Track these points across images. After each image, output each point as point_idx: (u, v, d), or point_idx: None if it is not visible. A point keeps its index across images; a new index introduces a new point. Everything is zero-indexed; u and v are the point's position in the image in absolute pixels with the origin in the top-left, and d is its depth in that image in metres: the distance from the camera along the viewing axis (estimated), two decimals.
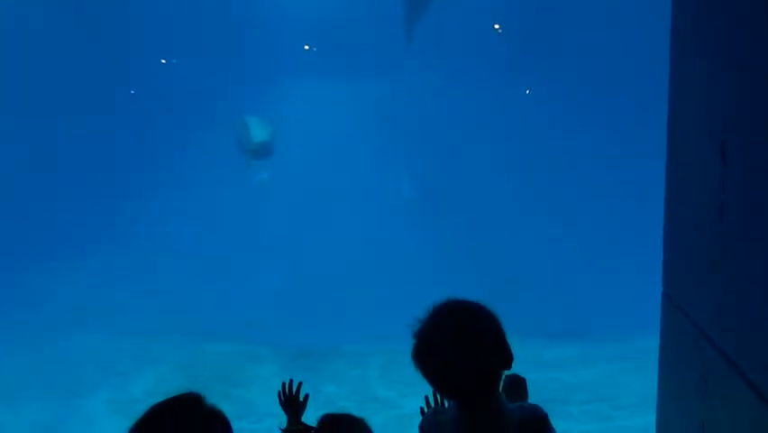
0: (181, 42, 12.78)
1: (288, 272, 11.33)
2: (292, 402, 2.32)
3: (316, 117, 12.05)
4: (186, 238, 11.96)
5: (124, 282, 10.75)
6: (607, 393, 7.03)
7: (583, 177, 12.07)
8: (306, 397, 2.34)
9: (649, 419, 3.21)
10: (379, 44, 12.36)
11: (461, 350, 1.78)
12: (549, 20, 12.20)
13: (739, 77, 1.99)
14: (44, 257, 11.01)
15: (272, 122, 11.10)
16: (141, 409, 1.65)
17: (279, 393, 2.34)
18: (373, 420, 2.03)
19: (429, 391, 2.28)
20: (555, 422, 1.93)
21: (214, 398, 1.72)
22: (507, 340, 1.84)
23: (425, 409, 2.26)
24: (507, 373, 1.92)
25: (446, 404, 2.15)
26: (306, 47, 13.47)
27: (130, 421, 1.63)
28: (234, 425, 1.71)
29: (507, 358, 1.82)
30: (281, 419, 2.35)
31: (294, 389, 2.34)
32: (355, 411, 2.05)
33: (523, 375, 2.27)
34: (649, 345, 3.46)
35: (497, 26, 12.90)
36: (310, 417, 2.31)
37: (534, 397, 2.11)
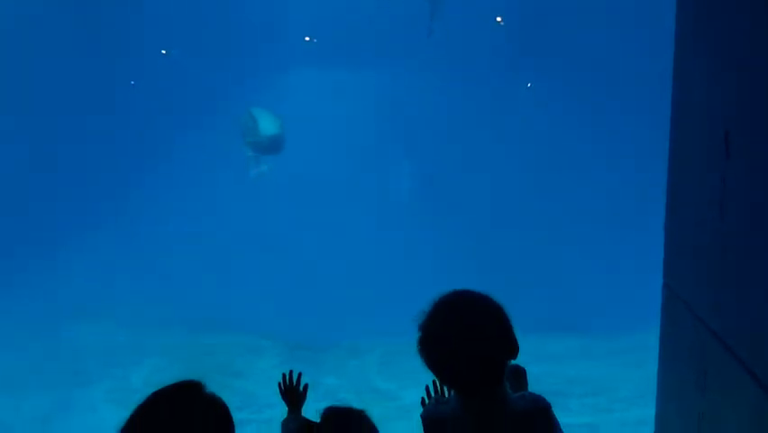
0: (181, 34, 12.74)
1: (289, 265, 11.34)
2: (292, 393, 2.33)
3: (316, 110, 12.01)
4: (186, 230, 11.97)
5: (124, 274, 10.76)
6: (606, 386, 7.05)
7: (583, 172, 12.06)
8: (306, 387, 2.35)
9: (648, 412, 3.22)
10: (380, 37, 12.31)
11: (467, 340, 1.79)
12: (551, 15, 12.15)
13: (740, 72, 1.98)
14: (44, 249, 11.02)
15: (281, 114, 10.53)
16: (141, 399, 1.65)
17: (279, 384, 2.35)
18: (372, 412, 2.03)
19: (429, 382, 2.29)
20: (555, 414, 1.94)
21: (215, 388, 1.72)
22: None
23: (426, 400, 2.27)
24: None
25: (446, 394, 2.16)
26: (307, 38, 13.42)
27: (130, 411, 1.63)
28: (234, 415, 1.72)
29: (512, 349, 1.82)
30: (281, 409, 2.36)
31: (294, 379, 2.35)
32: (354, 403, 2.05)
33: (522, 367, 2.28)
34: (648, 338, 3.47)
35: (499, 19, 12.85)
36: (310, 408, 2.32)
37: (533, 390, 2.12)
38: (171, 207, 12.28)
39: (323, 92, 12.85)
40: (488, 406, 1.81)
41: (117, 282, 10.40)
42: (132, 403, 1.64)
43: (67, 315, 9.13)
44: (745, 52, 1.94)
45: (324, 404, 2.03)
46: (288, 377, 2.36)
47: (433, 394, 2.27)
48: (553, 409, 1.93)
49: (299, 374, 2.35)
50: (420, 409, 2.14)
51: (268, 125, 10.35)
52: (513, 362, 1.92)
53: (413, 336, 1.89)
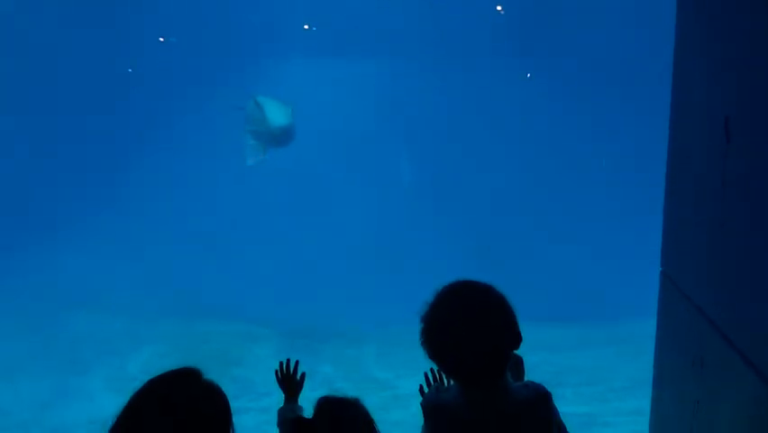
0: (178, 21, 12.64)
1: (287, 254, 11.35)
2: (289, 381, 2.33)
3: (314, 99, 11.93)
4: (185, 218, 11.95)
5: (122, 262, 10.76)
6: (602, 376, 7.09)
7: (581, 163, 12.06)
8: (303, 376, 2.36)
9: (644, 401, 3.24)
10: (379, 26, 12.23)
11: (471, 330, 1.79)
12: (552, 4, 12.08)
13: (741, 59, 1.97)
14: (42, 238, 11.00)
15: (290, 103, 9.72)
16: (137, 387, 1.66)
17: (276, 371, 2.35)
18: (369, 401, 2.04)
19: (427, 371, 2.29)
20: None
21: (212, 376, 1.72)
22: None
23: (425, 388, 2.28)
24: None
25: (446, 382, 2.17)
26: (306, 26, 13.33)
27: (127, 399, 1.64)
28: (232, 403, 1.72)
29: (515, 339, 1.83)
30: (279, 397, 2.36)
31: (291, 368, 2.36)
32: (351, 392, 2.06)
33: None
34: (644, 328, 3.48)
35: (499, 8, 12.77)
36: (307, 397, 2.33)
37: (529, 379, 2.12)
38: (169, 195, 12.26)
39: (321, 81, 12.79)
40: (490, 395, 1.82)
41: (115, 271, 10.39)
42: (131, 391, 1.65)
43: (64, 303, 9.13)
44: (745, 38, 1.94)
45: (321, 392, 2.03)
46: (284, 365, 2.36)
47: (432, 383, 2.28)
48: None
49: (296, 362, 2.36)
50: (418, 398, 2.15)
51: (277, 115, 9.52)
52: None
53: (411, 326, 1.89)
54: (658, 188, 2.99)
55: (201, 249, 11.25)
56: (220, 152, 12.05)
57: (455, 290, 1.88)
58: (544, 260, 10.76)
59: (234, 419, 1.70)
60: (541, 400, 1.89)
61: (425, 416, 1.94)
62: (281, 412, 2.27)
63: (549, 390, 1.94)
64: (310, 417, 1.97)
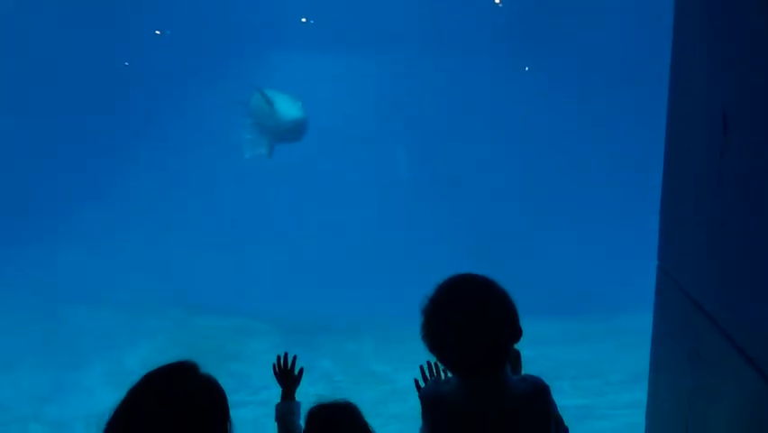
0: (175, 14, 12.58)
1: (286, 248, 11.35)
2: (286, 375, 2.33)
3: (312, 94, 11.91)
4: (183, 213, 11.94)
5: (119, 255, 10.75)
6: (599, 369, 7.12)
7: (579, 158, 12.07)
8: (301, 371, 2.36)
9: (641, 394, 3.26)
10: (377, 20, 12.19)
11: (472, 324, 1.80)
12: (552, 0, 12.05)
13: (740, 51, 1.97)
14: (41, 233, 10.99)
15: (299, 96, 9.18)
16: (136, 381, 1.66)
17: (274, 366, 2.36)
18: (368, 395, 2.05)
19: (423, 364, 2.30)
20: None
21: (210, 371, 1.73)
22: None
23: (421, 382, 2.29)
24: None
25: (442, 376, 2.17)
26: (303, 19, 13.27)
27: (125, 393, 1.64)
28: (230, 397, 1.73)
29: (516, 333, 1.84)
30: (277, 391, 2.37)
31: (288, 362, 2.36)
32: (350, 386, 2.07)
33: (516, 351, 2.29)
34: (641, 322, 3.49)
35: (497, 0, 12.73)
36: (304, 391, 2.33)
37: (526, 372, 2.13)
38: (167, 190, 12.24)
39: (319, 76, 12.75)
40: (489, 388, 1.83)
41: (113, 266, 10.39)
42: (128, 386, 1.65)
43: (63, 298, 9.13)
44: (743, 31, 1.94)
45: (319, 387, 2.04)
46: (282, 360, 2.36)
47: (429, 376, 2.28)
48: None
49: (294, 357, 2.36)
50: (414, 392, 2.15)
51: (288, 109, 8.81)
52: None
53: (409, 320, 1.90)
54: (656, 183, 3.00)
55: (199, 244, 11.24)
56: (217, 147, 12.03)
57: (456, 284, 1.89)
58: (541, 254, 10.78)
59: (232, 413, 1.71)
60: (539, 393, 1.90)
61: (423, 408, 1.95)
62: (279, 408, 2.28)
63: (547, 383, 1.95)
64: (306, 417, 1.98)
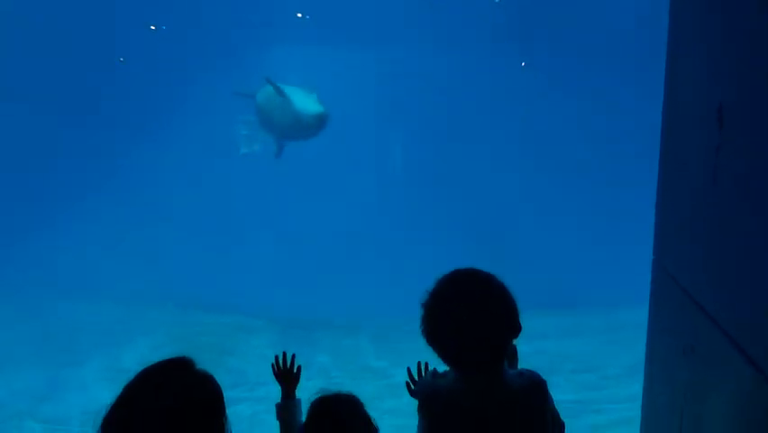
0: (169, 9, 12.52)
1: (283, 244, 11.35)
2: (286, 375, 2.34)
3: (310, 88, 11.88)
4: (179, 208, 11.92)
5: (116, 252, 10.74)
6: (595, 364, 7.15)
7: (575, 152, 12.08)
8: (300, 369, 2.37)
9: (637, 388, 3.27)
10: (374, 13, 12.15)
11: (473, 319, 1.80)
12: None
13: (737, 43, 1.97)
14: (34, 226, 10.96)
15: (313, 89, 8.53)
16: (131, 378, 1.66)
17: (273, 365, 2.36)
18: (365, 389, 2.05)
19: (421, 361, 2.30)
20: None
21: (207, 367, 1.73)
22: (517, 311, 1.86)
23: (410, 384, 2.29)
24: None
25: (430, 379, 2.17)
26: (299, 14, 13.23)
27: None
28: (228, 394, 1.73)
29: (515, 328, 1.84)
30: (274, 387, 2.37)
31: (288, 362, 2.36)
32: (348, 381, 2.07)
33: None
34: (638, 317, 3.50)
35: None
36: (302, 386, 2.34)
37: (522, 367, 2.14)
38: (165, 187, 12.21)
39: (317, 70, 12.72)
40: (487, 383, 1.84)
41: (110, 262, 10.38)
42: (124, 382, 1.65)
43: (60, 294, 9.12)
44: (739, 25, 1.94)
45: (317, 382, 2.04)
46: (281, 359, 2.37)
47: (417, 378, 2.28)
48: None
49: (293, 356, 2.37)
50: (406, 394, 2.16)
51: (306, 102, 8.09)
52: None
53: (406, 315, 1.90)
54: (654, 177, 3.00)
55: (196, 241, 11.23)
56: (215, 143, 12.00)
57: (458, 278, 1.90)
58: (537, 249, 10.80)
59: (230, 409, 1.71)
60: (536, 388, 1.90)
61: (420, 403, 1.95)
62: (279, 407, 2.28)
63: (544, 378, 1.95)
64: (306, 411, 1.98)
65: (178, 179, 12.41)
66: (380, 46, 12.68)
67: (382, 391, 5.81)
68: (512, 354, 2.23)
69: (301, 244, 11.35)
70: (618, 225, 10.28)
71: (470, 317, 1.81)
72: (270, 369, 2.36)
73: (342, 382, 6.13)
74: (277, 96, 8.39)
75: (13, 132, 11.55)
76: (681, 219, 2.54)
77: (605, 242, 10.48)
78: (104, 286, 9.44)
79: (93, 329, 8.07)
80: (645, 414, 3.10)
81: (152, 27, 13.17)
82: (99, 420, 1.61)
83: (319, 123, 8.13)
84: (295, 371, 2.35)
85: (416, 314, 1.90)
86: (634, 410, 3.36)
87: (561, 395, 2.13)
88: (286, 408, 2.25)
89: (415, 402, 1.99)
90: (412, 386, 2.27)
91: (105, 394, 1.65)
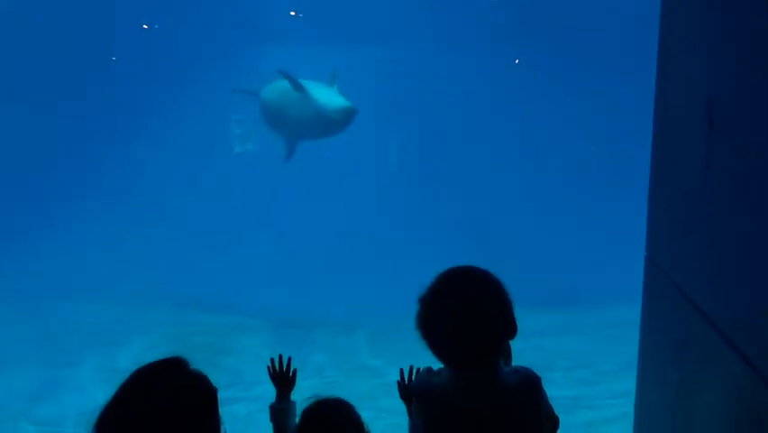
0: (162, 7, 12.48)
1: (278, 244, 11.33)
2: (282, 377, 2.34)
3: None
4: (174, 208, 11.89)
5: (112, 252, 10.70)
6: (589, 360, 7.18)
7: (569, 150, 12.11)
8: (295, 372, 2.37)
9: (631, 384, 3.29)
10: (374, 13, 12.13)
11: (468, 315, 1.81)
12: None
13: (726, 40, 1.98)
14: (30, 226, 10.92)
15: (332, 83, 8.00)
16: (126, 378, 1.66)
17: (269, 367, 2.36)
18: (360, 389, 2.06)
19: (416, 360, 2.31)
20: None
21: (203, 367, 1.73)
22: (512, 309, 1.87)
23: (401, 386, 2.29)
24: None
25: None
26: (293, 13, 13.19)
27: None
28: (223, 393, 1.73)
29: (511, 326, 1.85)
30: (269, 387, 2.37)
31: (284, 364, 2.37)
32: (342, 380, 2.08)
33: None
34: (631, 313, 3.52)
35: None
36: (298, 385, 2.34)
37: (516, 363, 2.15)
38: (161, 187, 12.18)
39: (308, 67, 12.68)
40: (482, 380, 1.84)
41: (106, 263, 10.35)
42: (119, 383, 1.65)
43: (56, 295, 9.09)
44: (729, 22, 1.95)
45: (313, 381, 2.05)
46: (277, 362, 2.37)
47: (407, 380, 2.29)
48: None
49: (289, 358, 2.37)
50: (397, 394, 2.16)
51: (330, 96, 7.46)
52: None
53: (401, 314, 1.91)
54: (645, 173, 3.02)
55: (195, 241, 11.21)
56: (210, 142, 11.97)
57: (453, 276, 1.90)
58: (531, 246, 10.82)
59: (226, 408, 1.71)
60: (531, 385, 1.91)
61: (415, 400, 1.95)
62: (274, 409, 2.28)
63: (538, 374, 1.96)
64: (300, 415, 1.98)
65: (173, 180, 12.38)
66: (380, 46, 12.66)
67: (377, 390, 5.82)
68: (506, 352, 2.24)
69: (299, 243, 11.33)
70: (613, 224, 10.32)
71: (465, 314, 1.81)
72: (266, 369, 2.37)
73: (337, 381, 6.13)
74: (292, 91, 7.76)
75: (13, 132, 11.50)
76: (673, 216, 2.55)
77: (600, 240, 10.52)
78: (103, 286, 9.42)
79: (88, 330, 8.05)
80: (638, 411, 3.12)
81: (145, 26, 13.12)
82: (93, 421, 1.61)
83: (346, 118, 7.48)
84: (291, 374, 2.35)
85: (413, 313, 1.90)
86: (628, 406, 3.38)
87: (556, 391, 2.14)
88: (280, 410, 2.25)
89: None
90: (404, 387, 2.27)
91: (100, 395, 1.65)
